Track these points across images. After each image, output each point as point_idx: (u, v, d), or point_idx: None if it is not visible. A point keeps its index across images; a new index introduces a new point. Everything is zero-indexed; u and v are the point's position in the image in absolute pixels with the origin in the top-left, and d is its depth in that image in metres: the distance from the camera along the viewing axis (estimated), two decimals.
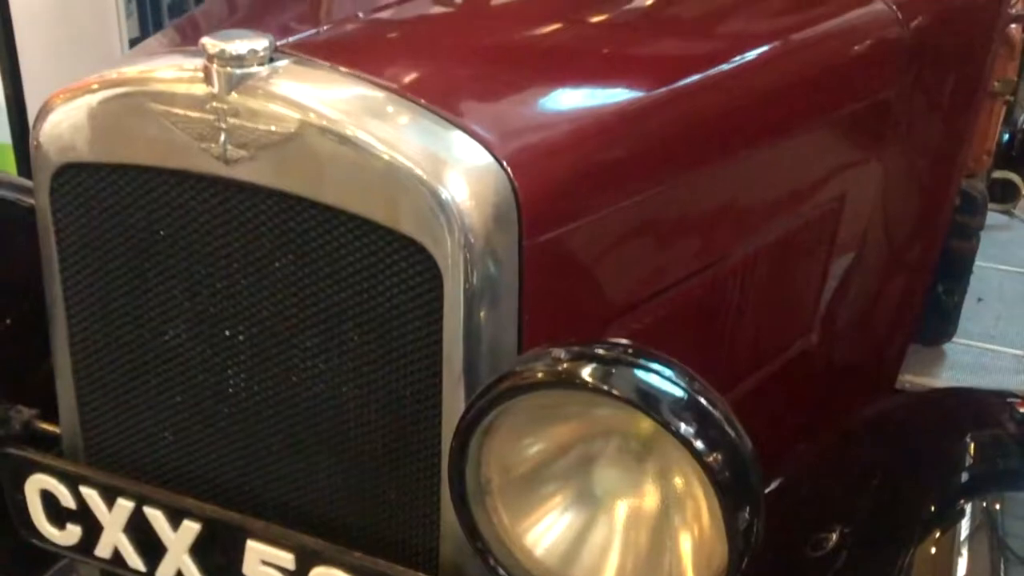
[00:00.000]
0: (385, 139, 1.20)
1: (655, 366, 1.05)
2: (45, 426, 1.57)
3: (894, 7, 1.90)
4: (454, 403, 1.23)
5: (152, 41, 1.69)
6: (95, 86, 1.32)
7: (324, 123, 1.20)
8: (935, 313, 2.32)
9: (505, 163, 1.22)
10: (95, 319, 1.42)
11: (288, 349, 1.31)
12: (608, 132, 1.39)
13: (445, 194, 1.18)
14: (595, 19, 1.75)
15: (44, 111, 1.36)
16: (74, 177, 1.36)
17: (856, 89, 1.85)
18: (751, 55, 1.65)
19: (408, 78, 1.31)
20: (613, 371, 1.03)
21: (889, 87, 1.91)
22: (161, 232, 1.33)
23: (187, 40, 1.64)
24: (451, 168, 1.19)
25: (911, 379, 2.24)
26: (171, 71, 1.27)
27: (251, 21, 1.78)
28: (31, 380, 1.69)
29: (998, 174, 2.83)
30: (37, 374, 1.65)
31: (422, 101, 1.24)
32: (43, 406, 1.58)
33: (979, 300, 2.59)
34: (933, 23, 1.97)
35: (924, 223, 2.19)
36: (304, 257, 1.26)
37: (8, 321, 1.81)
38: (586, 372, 1.03)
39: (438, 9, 1.71)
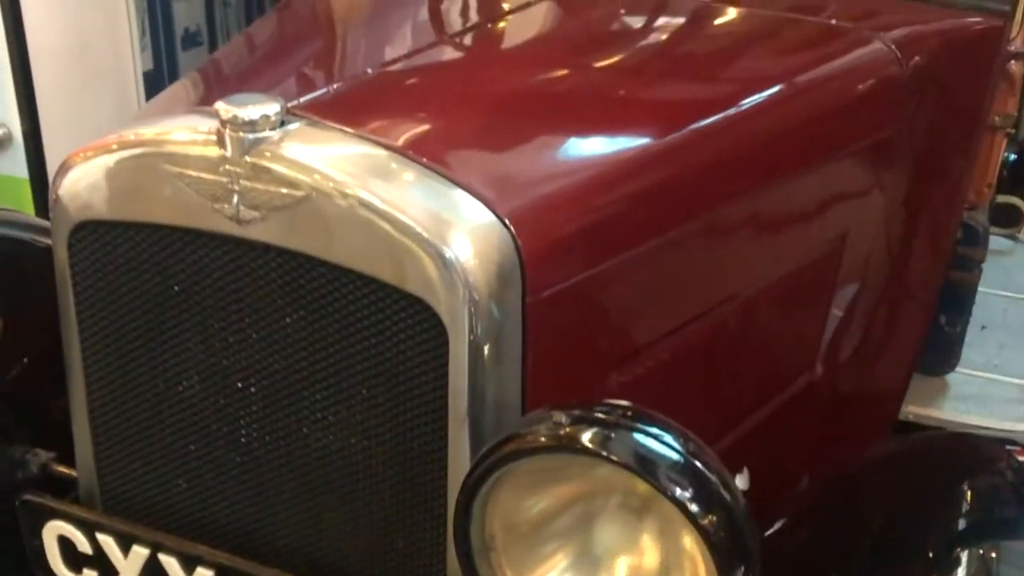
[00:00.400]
0: (389, 200, 1.23)
1: (653, 430, 1.08)
2: (62, 469, 1.61)
3: (893, 47, 1.92)
4: (459, 454, 1.27)
5: (170, 93, 1.73)
6: (113, 146, 1.36)
7: (331, 185, 1.24)
8: (937, 343, 2.32)
9: (507, 221, 1.25)
10: (111, 369, 1.45)
11: (298, 401, 1.35)
12: (611, 184, 1.42)
13: (449, 254, 1.21)
14: (599, 64, 1.78)
15: (63, 168, 1.40)
16: (91, 233, 1.40)
17: (857, 129, 1.87)
18: (752, 101, 1.68)
19: (412, 136, 1.35)
20: (612, 436, 1.06)
21: (890, 125, 1.93)
22: (176, 288, 1.37)
23: (207, 90, 1.69)
24: (454, 228, 1.23)
25: (914, 410, 2.23)
26: (185, 133, 1.31)
27: (266, 67, 1.82)
28: (48, 416, 1.72)
29: (1002, 199, 2.83)
30: (54, 410, 1.68)
31: (424, 160, 1.27)
32: (60, 445, 1.61)
33: (982, 328, 2.58)
34: (932, 61, 1.98)
35: (926, 256, 2.20)
36: (314, 313, 1.30)
37: (26, 360, 1.85)
38: (586, 437, 1.07)
39: (446, 57, 1.75)
